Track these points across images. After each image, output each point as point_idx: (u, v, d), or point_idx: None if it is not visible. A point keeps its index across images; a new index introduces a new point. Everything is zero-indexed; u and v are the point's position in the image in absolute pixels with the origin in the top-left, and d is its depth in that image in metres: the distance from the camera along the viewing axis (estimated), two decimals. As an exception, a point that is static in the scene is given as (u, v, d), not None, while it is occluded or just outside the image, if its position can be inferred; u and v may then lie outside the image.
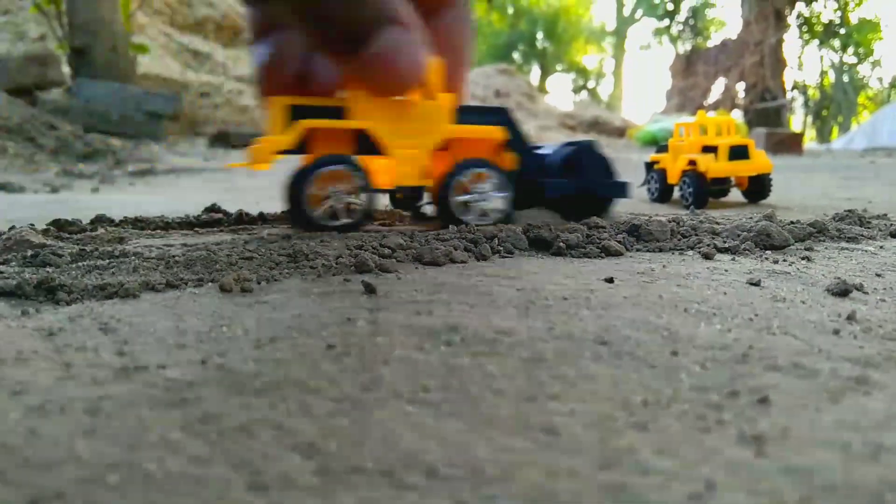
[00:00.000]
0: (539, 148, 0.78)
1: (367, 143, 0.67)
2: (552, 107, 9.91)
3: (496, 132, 0.71)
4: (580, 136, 7.76)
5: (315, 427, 0.27)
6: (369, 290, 0.45)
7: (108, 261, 0.53)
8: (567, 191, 0.76)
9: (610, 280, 0.50)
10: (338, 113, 0.67)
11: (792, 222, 0.69)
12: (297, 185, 0.65)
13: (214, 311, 0.42)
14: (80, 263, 0.52)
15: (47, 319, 0.41)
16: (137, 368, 0.33)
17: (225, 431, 0.26)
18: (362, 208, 0.66)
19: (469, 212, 0.70)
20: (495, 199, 0.70)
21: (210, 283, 0.48)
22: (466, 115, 0.71)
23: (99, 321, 0.40)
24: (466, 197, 0.70)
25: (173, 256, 0.53)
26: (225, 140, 4.65)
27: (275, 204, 1.01)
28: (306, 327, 0.38)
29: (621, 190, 0.78)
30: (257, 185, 2.50)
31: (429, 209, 0.83)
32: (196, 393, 0.30)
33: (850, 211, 0.77)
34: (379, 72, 0.56)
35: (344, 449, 0.25)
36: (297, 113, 0.66)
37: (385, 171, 0.69)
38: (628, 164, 3.86)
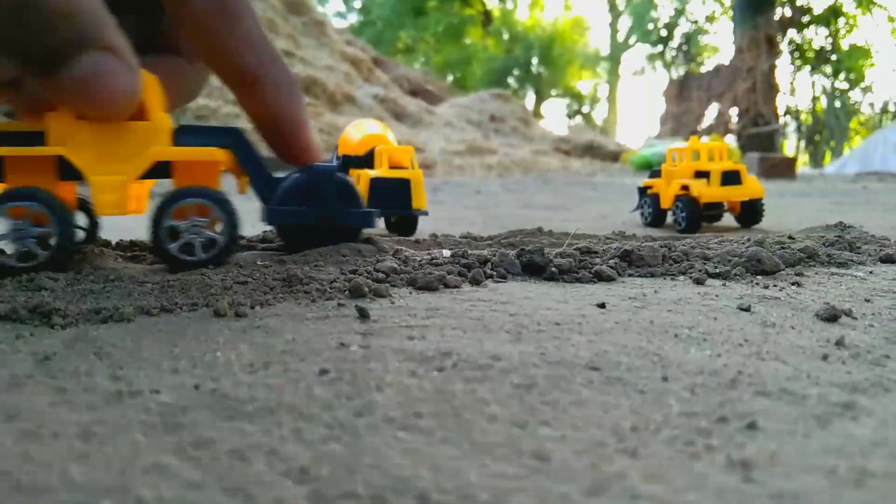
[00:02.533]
0: (284, 175, 0.71)
1: (71, 171, 0.61)
2: (547, 131, 9.98)
3: (219, 154, 0.63)
4: (578, 162, 7.80)
5: (308, 452, 0.27)
6: (363, 314, 0.46)
7: (102, 285, 0.53)
8: (297, 219, 0.68)
9: (602, 305, 0.50)
10: (37, 138, 0.60)
11: (782, 247, 0.70)
12: None
13: (208, 335, 0.42)
14: (75, 287, 0.52)
15: (42, 344, 0.41)
16: (131, 393, 0.33)
17: (218, 456, 0.26)
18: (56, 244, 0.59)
19: (185, 248, 0.62)
20: (213, 233, 0.62)
21: (204, 308, 0.48)
22: (189, 136, 0.64)
23: (93, 345, 0.40)
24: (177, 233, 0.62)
25: (168, 280, 0.54)
26: (221, 163, 4.66)
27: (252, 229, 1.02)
28: (300, 352, 0.38)
29: (367, 219, 0.70)
30: (255, 207, 2.51)
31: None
32: (189, 417, 0.30)
33: (839, 236, 0.78)
34: (77, 96, 0.55)
35: (336, 474, 0.25)
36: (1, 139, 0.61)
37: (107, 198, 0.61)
38: (622, 188, 3.88)
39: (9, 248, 0.59)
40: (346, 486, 0.24)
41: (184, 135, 0.64)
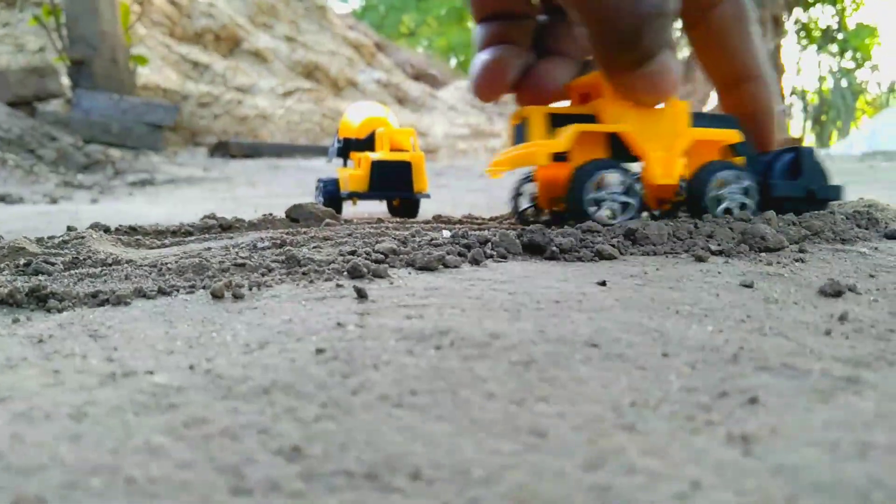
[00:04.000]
0: (763, 153, 0.82)
1: (620, 148, 0.73)
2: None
3: (732, 135, 0.76)
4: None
5: (301, 430, 0.27)
6: (361, 295, 0.45)
7: (100, 269, 0.53)
8: (793, 192, 0.80)
9: (602, 283, 0.49)
10: (591, 119, 0.73)
11: (787, 223, 0.69)
12: (578, 186, 0.71)
13: (205, 317, 0.42)
14: (72, 271, 0.52)
15: (38, 327, 0.41)
16: (125, 374, 0.32)
17: (210, 436, 0.26)
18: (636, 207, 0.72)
19: (718, 205, 0.74)
20: (741, 197, 0.75)
21: (202, 290, 0.48)
22: (701, 120, 0.76)
23: (89, 328, 0.40)
24: (719, 192, 0.74)
25: (165, 263, 0.53)
26: (224, 150, 4.66)
27: (275, 211, 1.01)
28: (296, 332, 0.38)
29: (837, 192, 0.82)
30: (256, 193, 2.51)
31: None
32: (182, 398, 0.30)
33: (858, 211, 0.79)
34: (649, 88, 0.66)
35: (329, 452, 0.25)
36: (557, 120, 0.73)
37: (660, 168, 0.74)
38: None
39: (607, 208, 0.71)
40: (338, 464, 0.24)
41: (698, 119, 0.76)
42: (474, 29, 0.75)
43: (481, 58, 0.73)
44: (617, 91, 0.70)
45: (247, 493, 0.22)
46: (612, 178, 0.71)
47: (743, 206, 0.74)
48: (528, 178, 0.89)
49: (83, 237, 0.68)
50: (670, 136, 0.73)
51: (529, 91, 0.75)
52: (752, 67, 0.76)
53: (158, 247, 0.72)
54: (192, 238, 0.80)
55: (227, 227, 0.88)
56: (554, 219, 0.85)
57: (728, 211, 0.74)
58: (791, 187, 0.80)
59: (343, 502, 0.22)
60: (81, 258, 0.56)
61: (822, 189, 0.81)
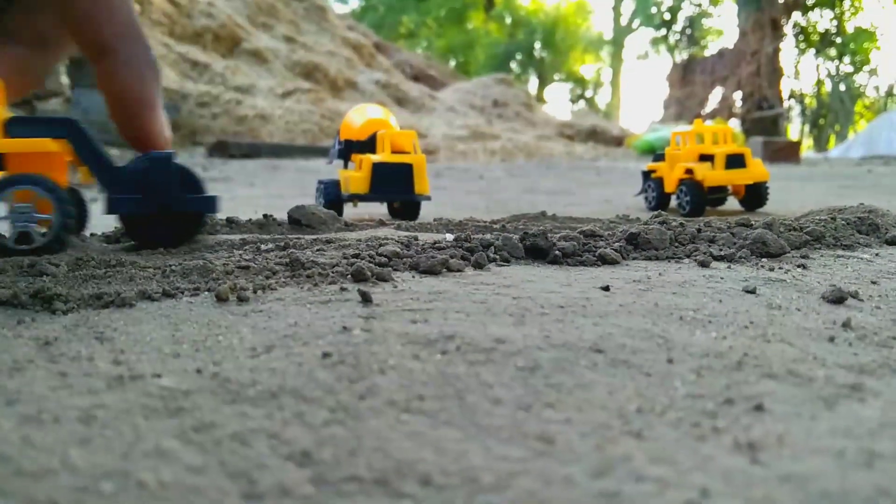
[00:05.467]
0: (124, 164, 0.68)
1: None
2: (550, 116, 9.93)
3: (50, 146, 0.62)
4: (581, 147, 7.77)
5: (310, 436, 0.27)
6: (365, 298, 0.45)
7: (104, 270, 0.53)
8: (140, 209, 0.66)
9: (606, 288, 0.50)
10: None
11: (788, 229, 0.70)
12: None
13: (210, 320, 0.42)
14: (76, 273, 0.52)
15: (43, 329, 0.41)
16: (132, 377, 0.32)
17: (220, 440, 0.26)
18: None
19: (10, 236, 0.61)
20: (40, 221, 0.61)
21: (206, 292, 0.48)
22: (21, 127, 0.63)
23: (95, 330, 0.40)
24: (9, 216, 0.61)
25: (170, 266, 0.53)
26: (223, 150, 4.65)
27: (273, 212, 1.01)
28: (302, 336, 0.38)
29: (208, 204, 0.69)
30: (255, 193, 2.50)
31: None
32: (191, 402, 0.30)
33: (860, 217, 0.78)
34: None
35: (339, 457, 0.25)
36: None
37: None
38: (626, 173, 3.86)
39: None
40: (348, 470, 0.24)
41: (16, 126, 0.63)
42: None
43: None
44: None
45: (258, 498, 0.23)
46: None
47: (28, 235, 0.60)
48: None
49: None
50: None
51: None
52: (106, 40, 0.63)
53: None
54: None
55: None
56: None
57: (23, 239, 0.60)
58: (136, 203, 0.65)
59: (354, 508, 0.22)
60: (85, 259, 0.56)
61: (182, 202, 0.66)
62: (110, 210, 0.66)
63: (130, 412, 0.29)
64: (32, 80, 0.69)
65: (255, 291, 0.48)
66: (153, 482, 0.23)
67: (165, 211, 0.66)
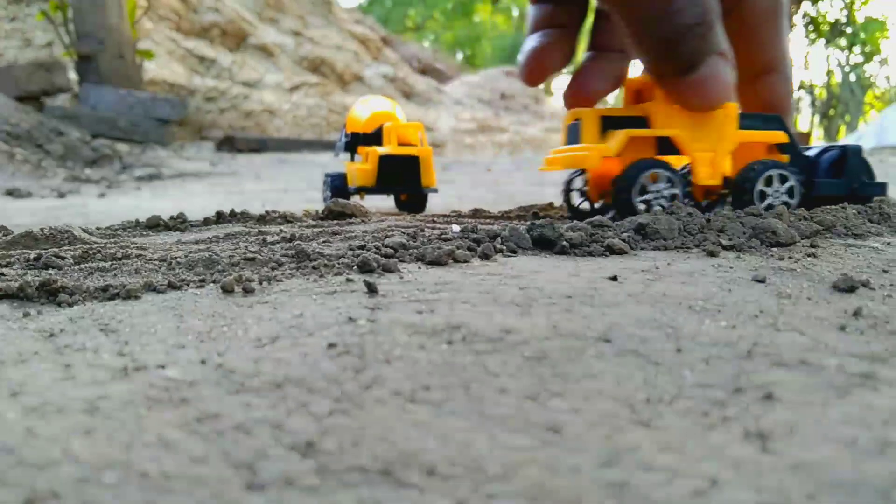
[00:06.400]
0: (807, 150, 0.85)
1: (669, 149, 0.76)
2: (558, 108, 9.90)
3: (778, 136, 0.78)
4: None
5: (314, 426, 0.26)
6: (371, 289, 0.45)
7: (110, 263, 0.53)
8: (836, 191, 0.82)
9: (614, 278, 0.49)
10: (641, 121, 0.76)
11: (799, 218, 0.69)
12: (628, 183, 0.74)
13: (215, 311, 0.42)
14: (82, 266, 0.52)
15: (48, 321, 0.41)
16: (137, 368, 0.32)
17: (223, 430, 0.26)
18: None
19: (763, 200, 0.77)
20: (784, 196, 0.77)
21: (212, 284, 0.48)
22: (748, 120, 0.78)
23: (100, 322, 0.40)
24: (765, 188, 0.77)
25: (175, 257, 0.53)
26: (231, 144, 4.66)
27: (280, 205, 1.01)
28: (307, 327, 0.38)
29: (881, 189, 0.85)
30: (263, 188, 2.51)
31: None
32: (195, 392, 0.29)
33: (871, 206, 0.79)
34: (697, 96, 0.67)
35: (343, 447, 0.25)
36: (608, 123, 0.76)
37: (706, 169, 0.77)
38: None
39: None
40: (353, 460, 0.24)
41: (745, 119, 0.78)
42: (528, 9, 0.77)
43: (529, 43, 0.75)
44: (666, 96, 0.72)
45: (261, 488, 0.22)
46: (659, 175, 0.74)
47: (787, 205, 0.77)
48: (579, 173, 0.91)
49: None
50: (718, 139, 0.76)
51: (576, 91, 0.77)
52: (776, 61, 0.78)
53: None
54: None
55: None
56: (603, 210, 0.87)
57: (770, 207, 0.76)
58: (835, 186, 0.82)
59: (358, 498, 0.22)
60: (91, 252, 0.56)
61: (865, 187, 0.83)
62: (816, 191, 0.82)
63: (134, 403, 0.28)
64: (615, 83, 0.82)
65: (260, 283, 0.48)
66: (156, 472, 0.23)
67: (853, 193, 0.83)
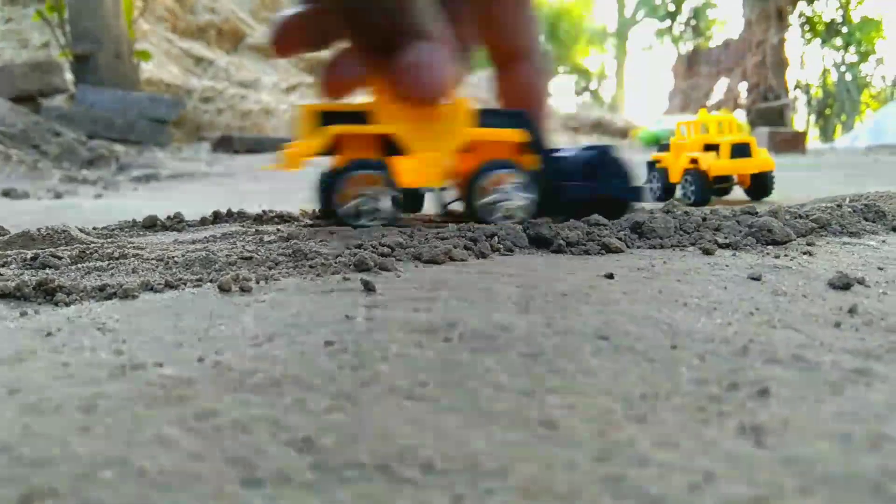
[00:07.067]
0: (558, 151, 0.79)
1: (392, 147, 0.70)
2: (555, 109, 9.91)
3: (514, 134, 0.72)
4: (586, 139, 7.76)
5: (311, 422, 0.27)
6: (368, 287, 0.45)
7: (107, 262, 0.53)
8: (586, 194, 0.76)
9: (610, 276, 0.49)
10: (363, 118, 0.70)
11: (794, 216, 0.69)
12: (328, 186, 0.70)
13: (213, 310, 0.42)
14: (79, 265, 0.52)
15: (46, 320, 0.41)
16: (134, 367, 0.32)
17: (220, 428, 0.26)
18: (389, 211, 0.70)
19: (494, 212, 0.71)
20: (518, 199, 0.71)
21: (209, 283, 0.48)
22: (489, 118, 0.73)
23: (97, 321, 0.40)
24: (491, 198, 0.71)
25: (172, 257, 0.53)
26: (228, 145, 4.66)
27: (277, 205, 1.01)
28: (304, 325, 0.38)
29: (638, 194, 0.79)
30: (259, 189, 2.51)
31: (458, 206, 0.84)
32: (192, 390, 0.30)
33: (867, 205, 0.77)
34: (405, 82, 0.61)
35: (340, 444, 0.25)
36: (327, 118, 0.70)
37: (411, 171, 0.71)
38: (631, 164, 3.85)
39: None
40: (350, 456, 0.24)
41: (485, 117, 0.72)
42: None
43: (285, 13, 0.68)
44: (385, 87, 0.66)
45: (258, 484, 0.22)
46: (366, 179, 0.69)
47: (522, 209, 0.71)
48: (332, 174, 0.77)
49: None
50: (443, 137, 0.69)
51: (330, 80, 0.70)
52: (524, 49, 0.72)
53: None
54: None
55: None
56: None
57: (507, 216, 0.71)
58: (585, 189, 0.75)
59: (355, 494, 0.22)
60: (88, 252, 0.56)
61: (619, 190, 0.76)
62: (568, 196, 0.76)
63: (131, 401, 0.29)
64: (458, 78, 0.77)
65: (257, 282, 0.48)
66: (153, 469, 0.23)
67: (603, 197, 0.76)
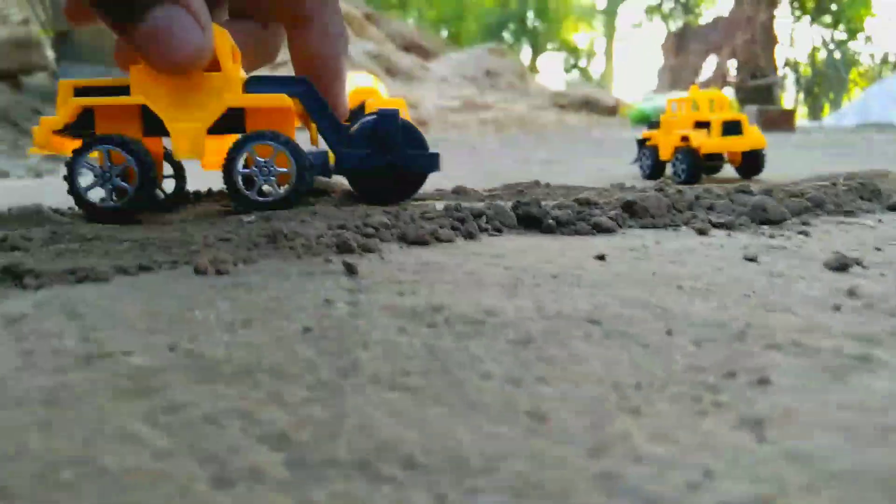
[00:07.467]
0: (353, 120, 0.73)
1: (153, 121, 0.65)
2: (543, 86, 9.87)
3: (286, 101, 0.66)
4: (575, 117, 7.72)
5: (287, 416, 0.25)
6: (350, 270, 0.43)
7: (79, 244, 0.51)
8: (368, 164, 0.70)
9: (601, 257, 0.48)
10: (123, 90, 0.65)
11: (792, 195, 0.68)
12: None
13: (187, 293, 0.40)
14: (50, 247, 0.50)
15: (12, 305, 0.39)
16: (101, 355, 0.31)
17: (190, 422, 0.25)
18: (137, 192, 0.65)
19: (254, 187, 0.66)
20: (278, 173, 0.66)
21: (185, 265, 0.46)
22: (259, 85, 0.67)
23: (66, 306, 0.38)
24: (247, 171, 0.66)
25: (148, 238, 0.51)
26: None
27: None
28: (283, 310, 0.36)
29: (431, 163, 0.71)
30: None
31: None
32: (161, 381, 0.28)
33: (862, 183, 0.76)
34: (144, 51, 0.57)
35: (317, 439, 0.23)
36: (81, 93, 0.65)
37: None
38: (620, 142, 3.84)
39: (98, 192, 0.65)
40: (327, 452, 0.23)
41: (255, 84, 0.67)
42: None
43: None
44: (132, 55, 0.62)
45: (229, 483, 0.21)
46: (101, 157, 0.64)
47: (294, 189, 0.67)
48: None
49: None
50: (202, 107, 0.64)
51: (117, 54, 0.66)
52: (312, 11, 0.67)
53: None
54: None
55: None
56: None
57: (263, 192, 0.66)
58: (366, 158, 0.69)
59: (331, 493, 0.20)
60: (60, 233, 0.54)
61: (410, 160, 0.70)
62: (344, 164, 0.70)
63: (96, 393, 0.27)
64: (264, 53, 0.72)
65: (235, 264, 0.46)
66: (116, 468, 0.22)
67: (393, 167, 0.70)
